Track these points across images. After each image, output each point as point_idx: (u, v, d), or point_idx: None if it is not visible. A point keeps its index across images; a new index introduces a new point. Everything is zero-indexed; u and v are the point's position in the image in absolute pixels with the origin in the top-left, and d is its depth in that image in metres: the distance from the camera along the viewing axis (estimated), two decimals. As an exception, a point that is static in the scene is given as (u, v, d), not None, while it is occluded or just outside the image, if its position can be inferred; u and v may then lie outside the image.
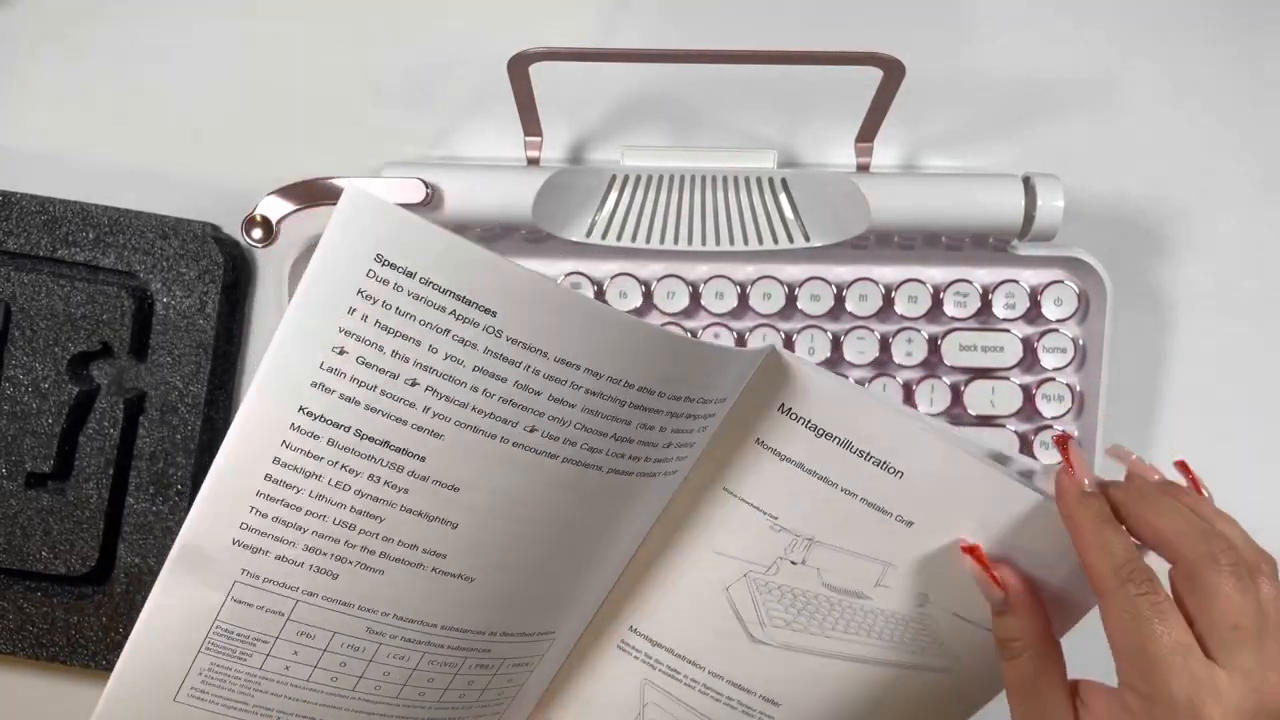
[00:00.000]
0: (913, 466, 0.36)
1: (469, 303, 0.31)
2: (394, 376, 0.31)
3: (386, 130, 0.50)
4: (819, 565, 0.38)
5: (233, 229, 0.48)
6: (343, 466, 0.32)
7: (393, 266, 0.30)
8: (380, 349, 0.31)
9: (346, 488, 0.33)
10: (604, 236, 0.44)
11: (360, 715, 0.38)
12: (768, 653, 0.40)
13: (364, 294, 0.31)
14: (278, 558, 0.34)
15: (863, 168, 0.46)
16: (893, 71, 0.41)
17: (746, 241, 0.44)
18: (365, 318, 0.31)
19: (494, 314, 0.31)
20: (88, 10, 0.49)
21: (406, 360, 0.31)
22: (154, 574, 0.47)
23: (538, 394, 0.32)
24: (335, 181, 0.30)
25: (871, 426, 0.36)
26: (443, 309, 0.31)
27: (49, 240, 0.46)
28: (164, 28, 0.49)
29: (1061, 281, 0.47)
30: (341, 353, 0.31)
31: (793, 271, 0.47)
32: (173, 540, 0.46)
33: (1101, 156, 0.49)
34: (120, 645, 0.47)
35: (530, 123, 0.45)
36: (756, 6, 0.49)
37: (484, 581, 0.35)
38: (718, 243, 0.44)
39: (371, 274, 0.30)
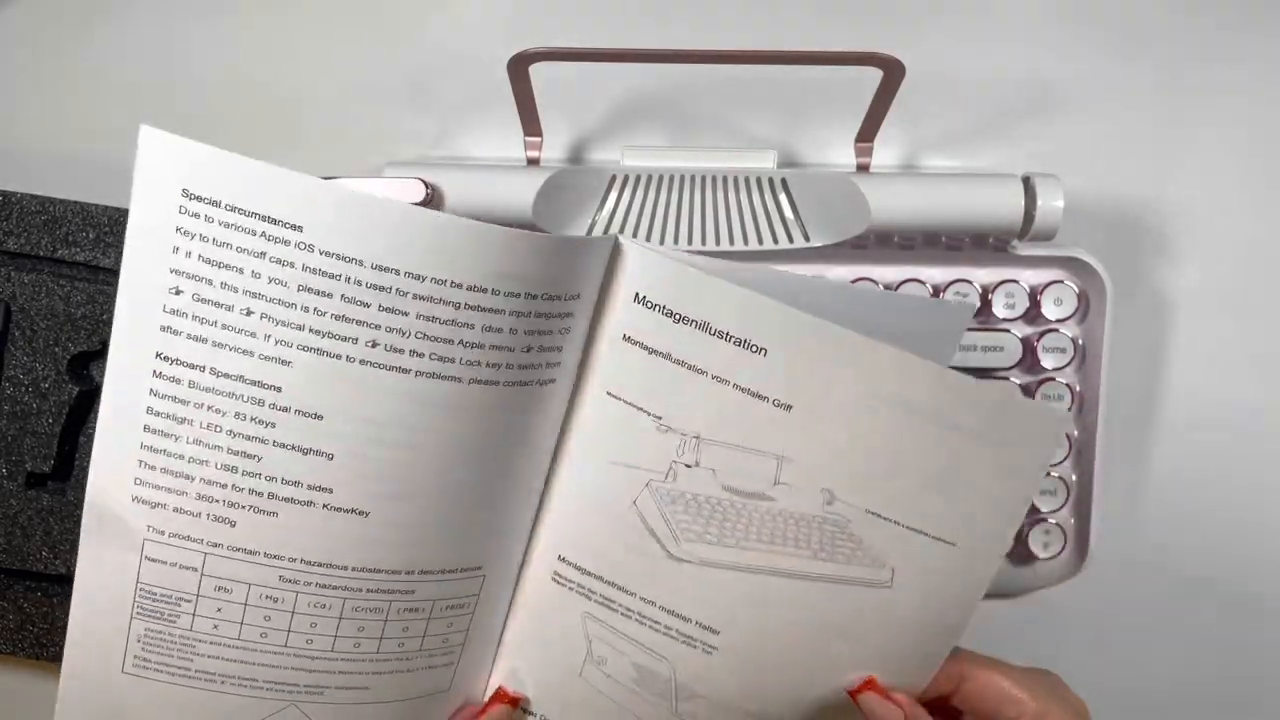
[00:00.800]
0: (773, 341, 0.35)
1: (275, 222, 0.32)
2: (229, 309, 0.32)
3: (386, 130, 0.50)
4: (713, 466, 0.37)
5: (233, 229, 0.48)
6: (209, 408, 0.33)
7: (199, 199, 0.32)
8: (210, 283, 0.32)
9: (218, 429, 0.33)
10: (604, 236, 0.44)
11: (301, 674, 0.37)
12: (691, 572, 0.38)
13: (182, 231, 0.32)
14: (175, 510, 0.34)
15: (863, 168, 0.46)
16: (893, 71, 0.41)
17: (746, 241, 0.44)
18: (189, 254, 0.32)
19: (300, 229, 0.32)
20: (87, 10, 0.49)
21: (236, 290, 0.32)
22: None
23: (367, 306, 0.33)
24: (142, 130, 0.32)
25: (723, 303, 0.35)
26: (253, 232, 0.32)
27: (49, 240, 0.46)
28: (164, 27, 0.49)
29: (1061, 281, 0.47)
30: (178, 293, 0.32)
31: (793, 271, 0.47)
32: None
33: (1101, 156, 0.49)
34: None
35: (530, 123, 0.45)
36: (757, 6, 0.49)
37: (380, 516, 0.35)
38: (718, 243, 0.44)
39: (184, 210, 0.32)
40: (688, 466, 0.37)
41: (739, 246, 0.44)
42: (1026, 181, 0.44)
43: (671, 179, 0.45)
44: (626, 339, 0.36)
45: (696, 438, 0.37)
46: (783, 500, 0.37)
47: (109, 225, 0.46)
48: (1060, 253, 0.46)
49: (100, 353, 0.46)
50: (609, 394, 0.37)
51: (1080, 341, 0.47)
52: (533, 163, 0.47)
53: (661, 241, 0.44)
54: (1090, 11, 0.49)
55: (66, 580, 0.47)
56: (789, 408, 0.36)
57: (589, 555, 0.39)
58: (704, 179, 0.45)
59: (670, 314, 0.36)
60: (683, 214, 0.45)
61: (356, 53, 0.49)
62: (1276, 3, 0.49)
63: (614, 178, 0.45)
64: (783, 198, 0.45)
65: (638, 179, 0.45)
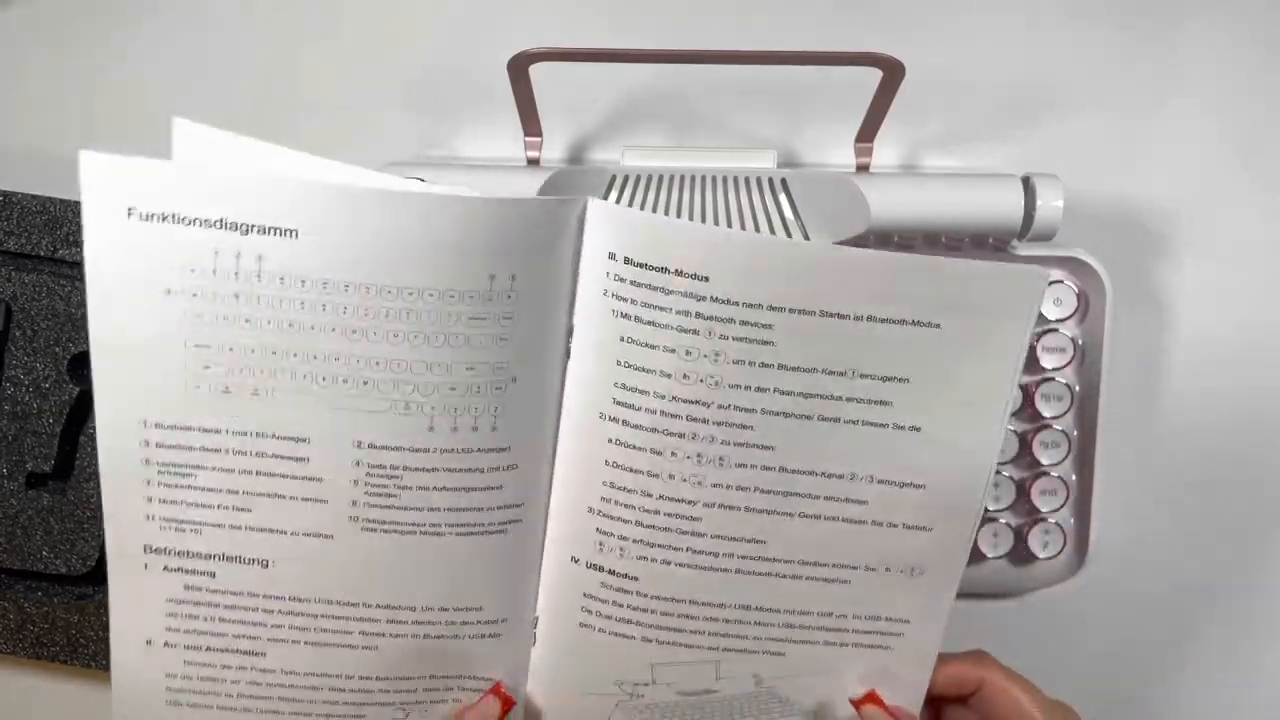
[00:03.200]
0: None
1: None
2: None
3: (386, 130, 0.50)
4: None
5: (233, 229, 0.48)
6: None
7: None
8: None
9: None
10: (604, 236, 0.44)
11: None
12: None
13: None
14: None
15: (862, 168, 0.46)
16: (893, 71, 0.41)
17: (746, 241, 0.44)
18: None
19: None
20: (87, 10, 0.49)
21: None
22: (154, 574, 0.46)
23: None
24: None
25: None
26: None
27: (49, 240, 0.46)
28: (163, 28, 0.49)
29: (1061, 281, 0.47)
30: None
31: (793, 271, 0.47)
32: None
33: (1101, 156, 0.49)
34: (120, 645, 0.47)
35: (530, 123, 0.45)
36: (756, 6, 0.49)
37: None
38: (718, 243, 0.44)
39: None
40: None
41: (739, 246, 0.44)
42: (1026, 181, 0.44)
43: (671, 179, 0.45)
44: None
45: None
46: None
47: (109, 225, 0.46)
48: (1060, 253, 0.46)
49: (100, 353, 0.46)
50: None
51: (1080, 341, 0.47)
52: (533, 163, 0.47)
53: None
54: (1091, 11, 0.49)
55: (66, 580, 0.47)
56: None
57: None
58: (704, 179, 0.45)
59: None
60: (683, 214, 0.45)
61: (356, 53, 0.49)
62: (1276, 3, 0.49)
63: (614, 178, 0.45)
64: (783, 198, 0.45)
65: (638, 179, 0.45)
